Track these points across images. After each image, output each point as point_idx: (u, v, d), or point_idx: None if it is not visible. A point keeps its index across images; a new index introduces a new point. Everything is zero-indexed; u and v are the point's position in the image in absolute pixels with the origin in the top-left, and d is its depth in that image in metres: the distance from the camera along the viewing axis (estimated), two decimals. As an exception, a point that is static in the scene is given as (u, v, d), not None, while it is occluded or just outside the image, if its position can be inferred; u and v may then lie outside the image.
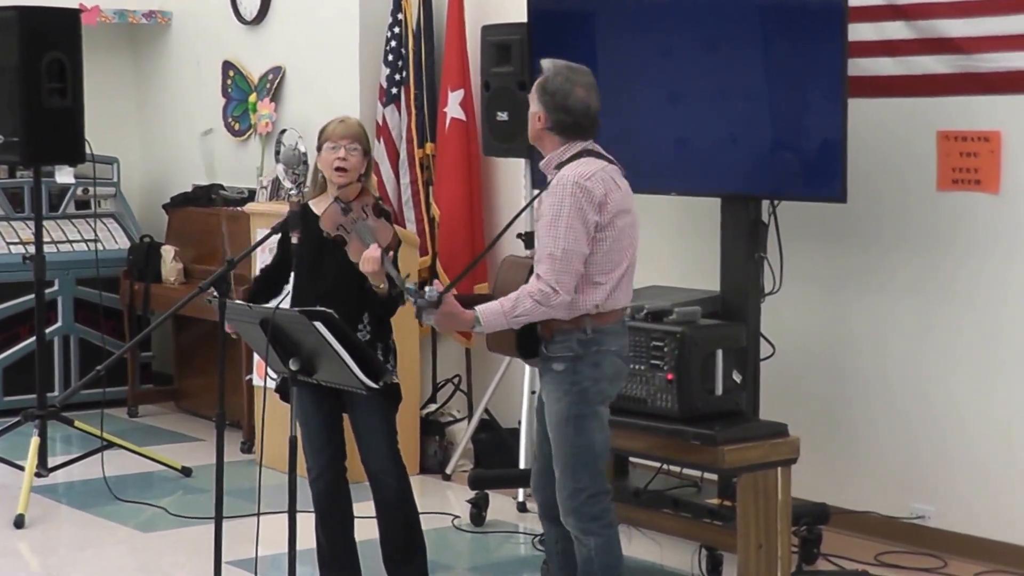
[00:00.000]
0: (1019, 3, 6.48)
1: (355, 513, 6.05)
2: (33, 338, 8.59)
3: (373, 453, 5.91)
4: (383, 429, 5.88)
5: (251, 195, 9.51)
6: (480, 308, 5.17)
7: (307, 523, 6.63)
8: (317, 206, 5.88)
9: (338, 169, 5.78)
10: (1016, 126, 6.59)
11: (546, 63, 5.42)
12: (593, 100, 5.33)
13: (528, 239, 7.34)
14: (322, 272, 5.79)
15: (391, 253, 5.59)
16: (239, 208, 9.25)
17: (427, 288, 5.17)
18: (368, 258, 5.57)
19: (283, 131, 8.98)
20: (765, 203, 6.75)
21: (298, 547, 5.24)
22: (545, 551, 5.77)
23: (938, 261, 6.87)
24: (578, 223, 5.13)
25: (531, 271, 5.33)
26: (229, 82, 9.98)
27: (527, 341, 5.35)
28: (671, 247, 7.68)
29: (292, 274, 6.00)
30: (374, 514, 6.02)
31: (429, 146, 8.68)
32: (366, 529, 6.10)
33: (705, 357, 6.09)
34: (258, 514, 5.78)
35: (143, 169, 10.89)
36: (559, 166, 5.28)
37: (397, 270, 5.52)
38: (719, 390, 6.13)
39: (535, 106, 5.35)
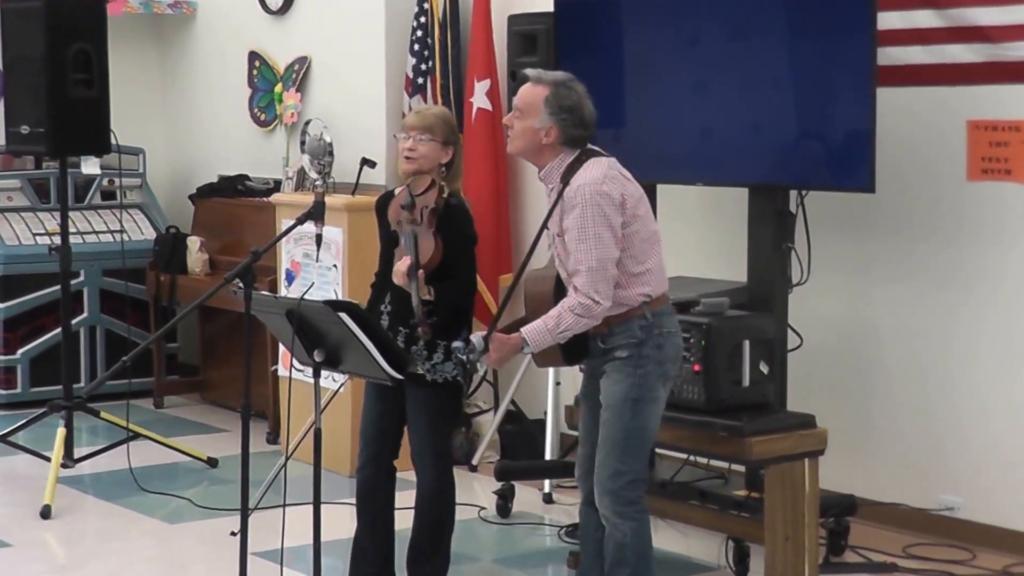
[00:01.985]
0: (1050, -9, 6.45)
1: (405, 501, 6.05)
2: (59, 329, 8.61)
3: (412, 443, 5.92)
4: (426, 424, 5.86)
5: (277, 186, 9.51)
6: (525, 330, 5.22)
7: (334, 515, 6.64)
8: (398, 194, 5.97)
9: (406, 158, 5.84)
10: (1046, 115, 6.56)
11: (535, 73, 5.43)
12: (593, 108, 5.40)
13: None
14: (394, 264, 5.81)
15: (422, 272, 5.57)
16: (265, 199, 9.24)
17: (472, 338, 5.24)
18: (396, 272, 5.65)
19: (308, 121, 8.96)
20: (793, 193, 6.72)
21: (324, 539, 5.23)
22: (580, 538, 5.76)
23: (967, 252, 6.83)
24: (605, 230, 5.17)
25: (556, 281, 5.39)
26: (255, 72, 9.98)
27: (572, 349, 5.40)
28: (698, 238, 7.65)
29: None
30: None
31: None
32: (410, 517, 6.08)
33: (732, 348, 6.07)
34: (284, 505, 5.77)
35: (169, 160, 10.90)
36: (563, 176, 5.28)
37: (421, 290, 5.51)
38: (746, 381, 6.10)
39: (543, 121, 5.30)
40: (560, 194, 5.26)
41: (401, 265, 5.62)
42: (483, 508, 7.46)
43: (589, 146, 5.36)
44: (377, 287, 6.02)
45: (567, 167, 5.29)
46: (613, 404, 5.31)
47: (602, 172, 5.23)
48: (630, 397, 5.28)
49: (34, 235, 9.78)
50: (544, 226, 5.39)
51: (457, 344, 5.23)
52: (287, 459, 7.12)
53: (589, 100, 5.37)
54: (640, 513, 5.35)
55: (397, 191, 5.96)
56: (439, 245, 5.69)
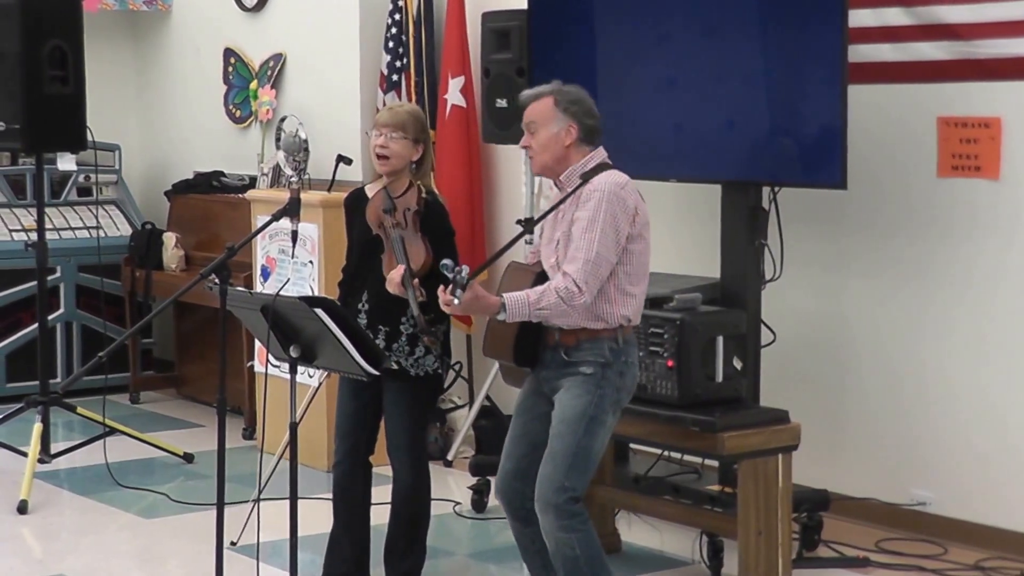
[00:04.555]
0: (1018, -11, 6.50)
1: (382, 496, 6.06)
2: (35, 325, 8.60)
3: (390, 438, 5.92)
4: (404, 417, 5.88)
5: (252, 182, 9.52)
6: (507, 295, 5.18)
7: (310, 510, 6.66)
8: (371, 190, 5.94)
9: (379, 156, 5.81)
10: (1016, 112, 6.59)
11: (530, 91, 5.44)
12: None
13: (527, 223, 7.33)
14: (371, 264, 5.80)
15: (416, 279, 5.55)
16: (240, 195, 9.26)
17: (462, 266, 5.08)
18: (390, 281, 5.61)
19: (284, 118, 8.99)
20: (765, 189, 6.76)
21: (300, 534, 5.25)
22: (522, 555, 5.71)
23: (938, 247, 6.88)
24: (611, 230, 5.19)
25: (535, 277, 5.38)
26: (230, 69, 9.99)
27: (524, 348, 5.39)
28: (671, 234, 7.68)
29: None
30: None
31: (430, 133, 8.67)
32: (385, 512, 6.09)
33: (705, 344, 6.09)
34: (258, 500, 5.80)
35: (144, 156, 10.90)
36: (584, 176, 5.30)
37: (417, 296, 5.48)
38: (719, 377, 6.13)
39: (561, 122, 5.31)
40: (576, 188, 5.26)
41: (395, 274, 5.57)
42: (458, 503, 7.49)
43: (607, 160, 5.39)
44: (348, 285, 6.00)
45: (589, 171, 5.31)
46: (569, 418, 5.29)
47: (624, 179, 5.28)
48: (588, 414, 5.26)
49: (10, 231, 9.79)
50: (542, 217, 5.36)
51: (446, 262, 5.00)
52: (278, 460, 7.08)
53: None
54: (584, 523, 5.29)
55: (369, 191, 5.96)
56: (427, 247, 5.70)
